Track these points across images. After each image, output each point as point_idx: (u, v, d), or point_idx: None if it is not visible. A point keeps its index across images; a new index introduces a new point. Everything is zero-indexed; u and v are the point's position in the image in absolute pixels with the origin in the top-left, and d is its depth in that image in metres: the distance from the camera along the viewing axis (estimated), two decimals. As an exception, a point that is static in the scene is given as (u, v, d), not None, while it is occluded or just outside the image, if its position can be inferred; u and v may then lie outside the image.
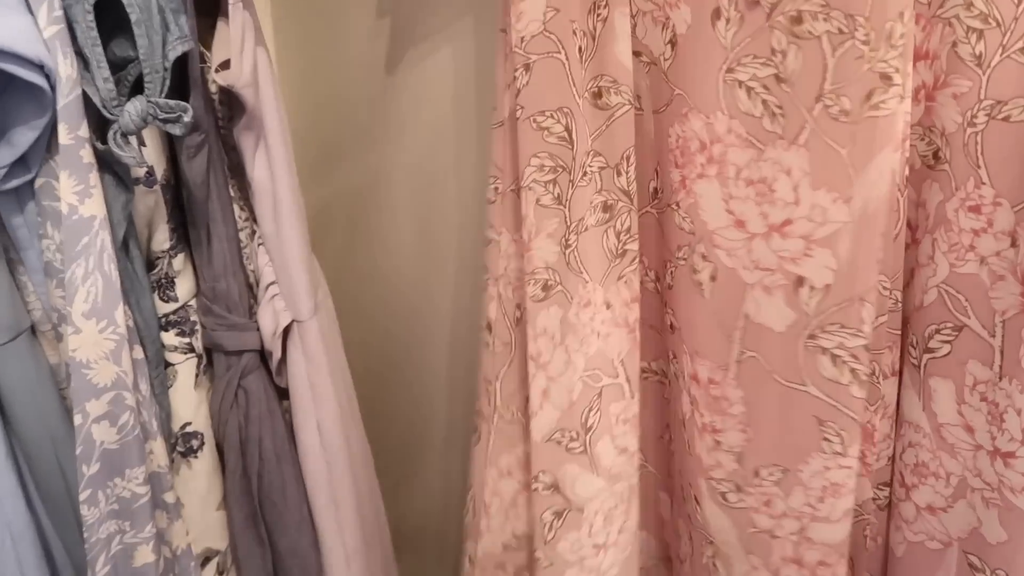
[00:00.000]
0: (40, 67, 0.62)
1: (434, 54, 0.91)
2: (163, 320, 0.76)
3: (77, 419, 0.67)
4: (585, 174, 0.66)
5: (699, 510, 0.71)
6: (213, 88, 0.73)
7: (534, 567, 0.73)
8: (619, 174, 0.67)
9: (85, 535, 0.70)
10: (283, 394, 0.81)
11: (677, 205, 0.66)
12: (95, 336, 0.67)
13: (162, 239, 0.76)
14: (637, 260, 0.69)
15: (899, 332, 0.63)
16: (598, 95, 0.66)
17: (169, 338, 0.76)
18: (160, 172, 0.73)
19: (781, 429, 0.64)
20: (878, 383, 0.63)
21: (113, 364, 0.68)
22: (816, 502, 0.64)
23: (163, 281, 0.77)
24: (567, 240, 0.67)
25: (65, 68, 0.63)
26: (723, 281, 0.64)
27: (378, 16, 0.91)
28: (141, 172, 0.71)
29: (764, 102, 0.60)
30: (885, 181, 0.57)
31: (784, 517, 0.66)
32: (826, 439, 0.62)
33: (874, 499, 0.67)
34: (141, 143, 0.69)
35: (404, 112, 0.94)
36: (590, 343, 0.69)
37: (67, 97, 0.62)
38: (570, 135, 0.66)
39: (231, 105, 0.74)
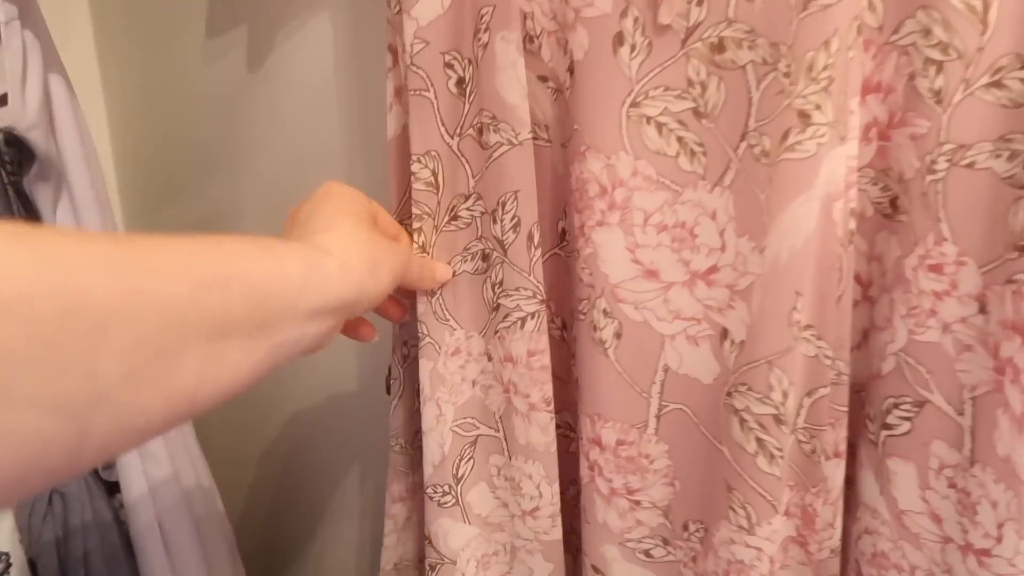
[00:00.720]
0: None
1: (287, 65, 0.77)
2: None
3: None
4: (456, 218, 0.61)
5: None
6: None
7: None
8: (495, 221, 0.59)
9: None
10: (112, 488, 0.69)
11: (577, 253, 0.59)
12: None
13: None
14: (515, 317, 0.61)
15: (845, 408, 0.55)
16: (480, 132, 0.58)
17: None
18: None
19: (705, 485, 0.59)
20: (819, 461, 0.56)
21: None
22: (723, 574, 0.59)
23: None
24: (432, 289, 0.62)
25: None
26: (632, 337, 0.58)
27: (210, 36, 0.76)
28: None
29: (680, 139, 0.53)
30: (800, 232, 0.50)
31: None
32: (732, 508, 0.57)
33: None
34: None
35: (256, 136, 0.80)
36: (461, 392, 0.63)
37: None
38: (436, 179, 0.61)
39: (20, 149, 0.60)
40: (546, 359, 0.61)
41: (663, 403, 0.59)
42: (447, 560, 0.65)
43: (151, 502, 0.65)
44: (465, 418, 0.64)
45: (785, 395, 0.53)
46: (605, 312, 0.58)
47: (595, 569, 0.66)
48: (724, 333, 0.55)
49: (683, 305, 0.56)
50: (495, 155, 0.58)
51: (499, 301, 0.61)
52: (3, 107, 0.56)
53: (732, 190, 0.52)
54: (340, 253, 0.47)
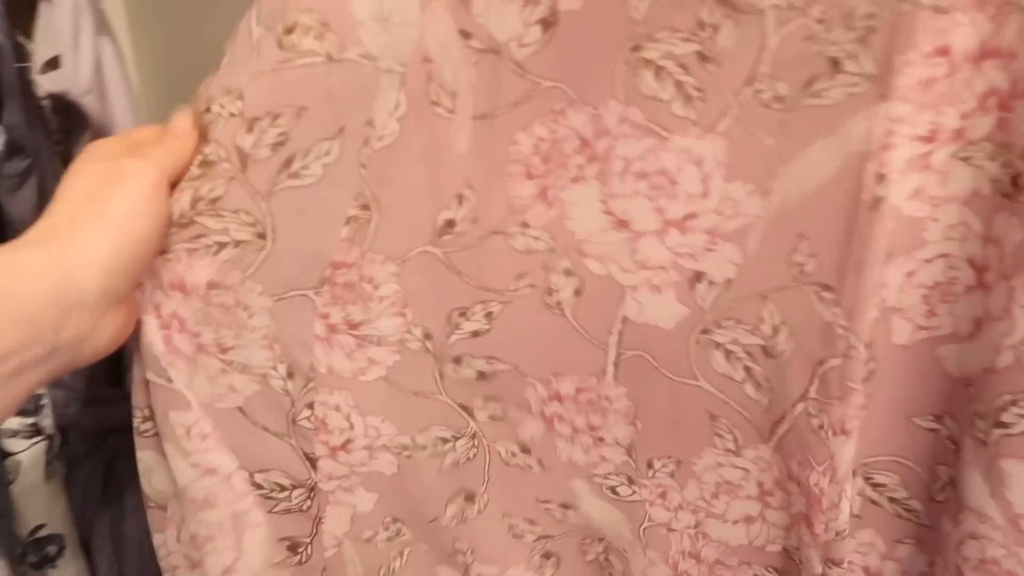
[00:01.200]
0: None
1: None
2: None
3: None
4: (208, 111, 0.53)
5: (571, 514, 0.65)
6: (43, 95, 0.58)
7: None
8: (249, 131, 0.52)
9: None
10: None
11: (525, 225, 0.55)
12: None
13: None
14: (212, 240, 0.54)
15: (856, 386, 0.52)
16: (288, 30, 0.50)
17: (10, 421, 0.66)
18: None
19: (672, 422, 0.58)
20: (825, 438, 0.54)
21: None
22: (710, 497, 0.60)
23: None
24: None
25: None
26: (592, 292, 0.56)
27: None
28: None
29: (678, 83, 0.49)
30: (815, 178, 0.48)
31: (680, 510, 0.61)
32: (718, 434, 0.57)
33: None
34: None
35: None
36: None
37: None
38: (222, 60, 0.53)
39: (69, 116, 0.60)
40: (230, 299, 0.55)
41: (621, 351, 0.57)
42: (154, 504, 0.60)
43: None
44: None
45: (775, 330, 0.52)
46: (566, 271, 0.56)
47: (564, 506, 0.65)
48: (696, 276, 0.53)
49: (651, 255, 0.54)
50: (297, 62, 0.50)
51: (197, 218, 0.53)
52: (55, 71, 0.54)
53: (727, 137, 0.49)
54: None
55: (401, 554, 0.67)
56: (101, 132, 0.59)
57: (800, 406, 0.54)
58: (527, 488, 0.65)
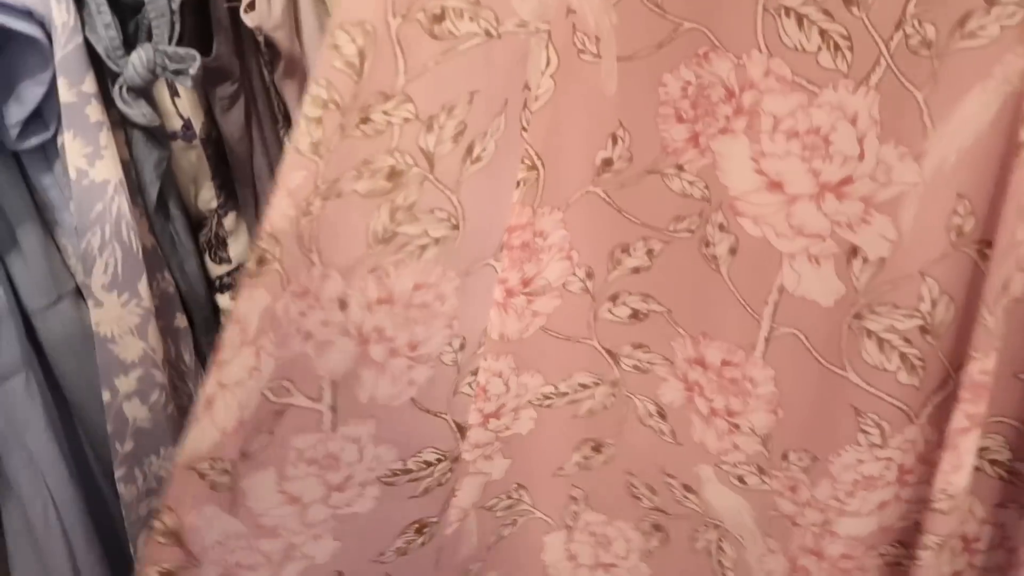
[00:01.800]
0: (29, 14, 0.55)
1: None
2: (217, 283, 0.73)
3: (105, 396, 0.66)
4: (366, 121, 0.48)
5: (691, 498, 0.64)
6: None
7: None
8: (429, 130, 0.49)
9: (124, 513, 0.69)
10: None
11: (679, 168, 0.54)
12: (118, 310, 0.64)
13: (208, 197, 0.71)
14: (416, 245, 0.52)
15: (975, 354, 0.49)
16: (438, 18, 0.47)
17: (224, 301, 0.73)
18: (199, 126, 0.67)
19: (816, 413, 0.56)
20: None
21: (139, 339, 0.65)
22: (845, 496, 0.57)
23: (214, 242, 0.72)
24: (308, 205, 0.48)
25: (60, 14, 0.56)
26: (748, 253, 0.54)
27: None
28: (177, 126, 0.67)
29: (823, 32, 0.47)
30: (972, 130, 0.46)
31: (808, 507, 0.59)
32: (863, 431, 0.54)
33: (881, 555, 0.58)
34: (174, 93, 0.65)
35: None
36: (290, 346, 0.51)
37: (65, 48, 0.57)
38: (361, 62, 0.46)
39: (271, 48, 0.65)
40: (431, 295, 0.54)
41: (774, 325, 0.56)
42: (192, 564, 0.54)
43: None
44: (284, 380, 0.52)
45: (934, 303, 0.50)
46: (721, 227, 0.55)
47: (687, 488, 0.64)
48: (853, 251, 0.51)
49: (807, 220, 0.52)
50: (459, 48, 0.48)
51: (398, 229, 0.51)
52: (251, 11, 0.60)
53: (879, 90, 0.47)
54: None
55: (515, 522, 0.69)
56: (291, 63, 0.65)
57: (963, 371, 0.50)
58: (656, 455, 0.64)
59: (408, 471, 0.60)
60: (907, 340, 0.51)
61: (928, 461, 0.53)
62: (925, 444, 0.53)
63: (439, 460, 0.62)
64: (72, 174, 0.60)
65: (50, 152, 0.64)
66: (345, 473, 0.57)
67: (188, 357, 0.71)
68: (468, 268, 0.56)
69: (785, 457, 0.58)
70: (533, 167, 0.57)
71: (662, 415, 0.63)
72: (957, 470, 0.50)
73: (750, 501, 0.61)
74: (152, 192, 0.66)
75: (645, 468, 0.65)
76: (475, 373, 0.61)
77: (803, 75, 0.49)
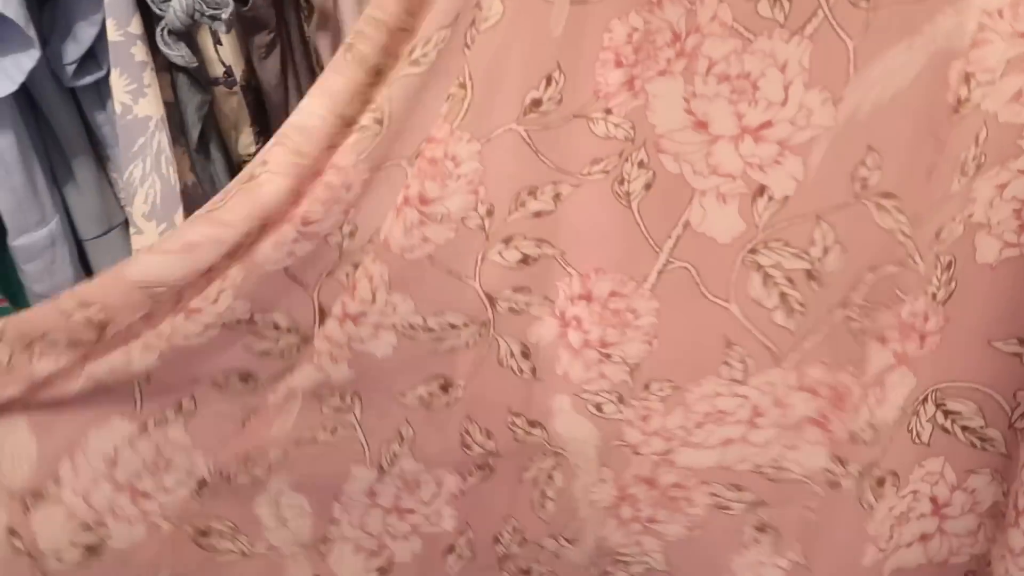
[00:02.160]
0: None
1: None
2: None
3: None
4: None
5: (536, 432, 0.64)
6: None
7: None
8: None
9: None
10: None
11: (607, 112, 0.56)
12: (156, 238, 0.67)
13: (248, 143, 0.74)
14: None
15: (906, 297, 0.52)
16: None
17: None
18: (239, 73, 0.71)
19: (688, 345, 0.59)
20: (864, 342, 0.55)
21: None
22: (693, 427, 0.60)
23: (250, 185, 0.76)
24: None
25: (112, -39, 0.61)
26: (662, 188, 0.57)
27: None
28: (219, 72, 0.70)
29: None
30: (892, 84, 0.49)
31: (655, 436, 0.62)
32: (727, 363, 0.58)
33: (827, 471, 0.59)
34: (217, 42, 0.68)
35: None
36: None
37: (114, -9, 0.61)
38: None
39: (310, 4, 0.71)
40: (338, 179, 0.56)
41: (671, 259, 0.58)
42: None
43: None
44: None
45: (825, 251, 0.53)
46: (641, 163, 0.56)
47: (532, 424, 0.64)
48: (760, 190, 0.54)
49: (724, 160, 0.55)
50: None
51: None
52: None
53: (813, 40, 0.50)
54: None
55: (334, 431, 0.65)
56: (324, 16, 0.69)
57: (839, 312, 0.55)
58: (505, 396, 0.64)
59: (252, 322, 0.61)
60: (790, 280, 0.54)
61: (785, 405, 0.57)
62: (784, 389, 0.57)
63: (289, 330, 0.61)
64: (117, 108, 0.64)
65: (103, 91, 0.69)
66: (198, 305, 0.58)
67: None
68: (380, 164, 0.57)
69: (647, 387, 0.60)
70: (463, 86, 0.56)
71: (525, 354, 0.63)
72: (881, 404, 0.54)
73: (600, 430, 0.62)
74: (194, 133, 0.70)
75: (488, 411, 0.65)
76: (355, 267, 0.60)
77: (742, 22, 0.52)
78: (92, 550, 0.61)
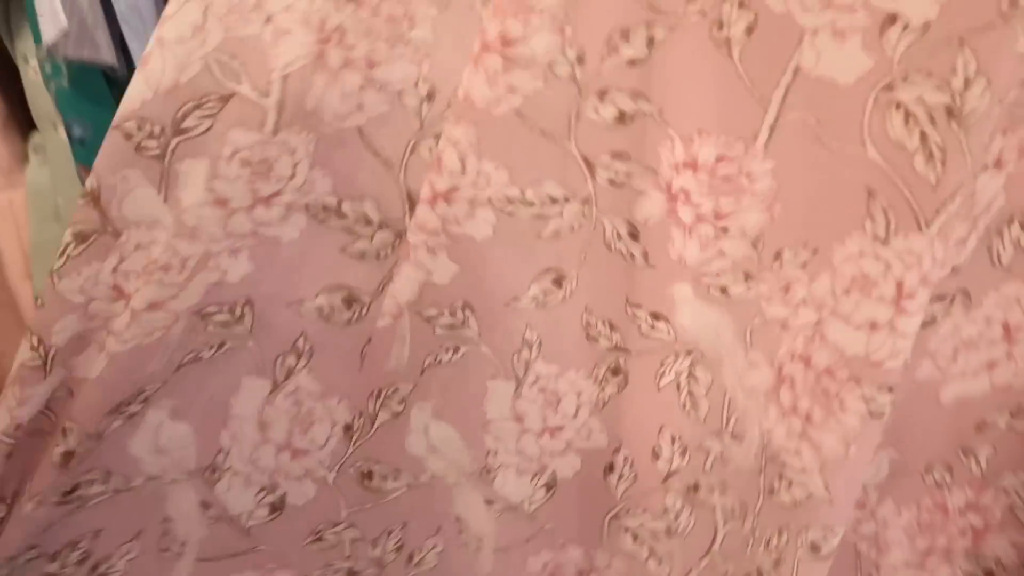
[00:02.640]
0: None
1: None
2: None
3: None
4: None
5: (660, 327, 0.60)
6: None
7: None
8: None
9: None
10: None
11: None
12: None
13: None
14: None
15: None
16: None
17: None
18: None
19: (820, 201, 0.52)
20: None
21: None
22: (840, 292, 0.53)
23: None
24: None
25: None
26: (766, 32, 0.49)
27: None
28: None
29: None
30: None
31: (803, 305, 0.55)
32: (870, 216, 0.50)
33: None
34: None
35: None
36: (246, 23, 0.51)
37: None
38: None
39: None
40: (400, 10, 0.52)
41: (783, 110, 0.51)
42: (110, 229, 0.52)
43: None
44: (230, 58, 0.50)
45: (967, 83, 0.45)
46: (741, 3, 0.49)
47: (655, 316, 0.59)
48: (891, 19, 0.46)
49: None
50: None
51: None
52: None
53: None
54: None
55: (456, 349, 0.62)
56: None
57: (985, 176, 0.48)
58: (621, 284, 0.59)
59: (341, 213, 0.57)
60: (931, 119, 0.46)
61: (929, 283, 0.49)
62: (929, 265, 0.49)
63: (381, 225, 0.57)
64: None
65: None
66: (275, 187, 0.53)
67: None
68: (448, 1, 0.52)
69: (778, 256, 0.54)
70: None
71: (633, 235, 0.57)
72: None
73: (731, 313, 0.57)
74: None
75: (607, 302, 0.60)
76: (437, 138, 0.55)
77: None
78: (276, 507, 0.63)
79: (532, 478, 0.65)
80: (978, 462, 0.60)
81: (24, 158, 0.79)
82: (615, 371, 0.62)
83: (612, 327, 0.61)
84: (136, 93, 0.49)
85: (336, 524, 0.66)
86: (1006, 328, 0.53)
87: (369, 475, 0.64)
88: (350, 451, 0.63)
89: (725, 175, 0.53)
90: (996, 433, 0.58)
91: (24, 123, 0.79)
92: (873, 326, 0.50)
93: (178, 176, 0.51)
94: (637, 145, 0.54)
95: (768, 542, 0.57)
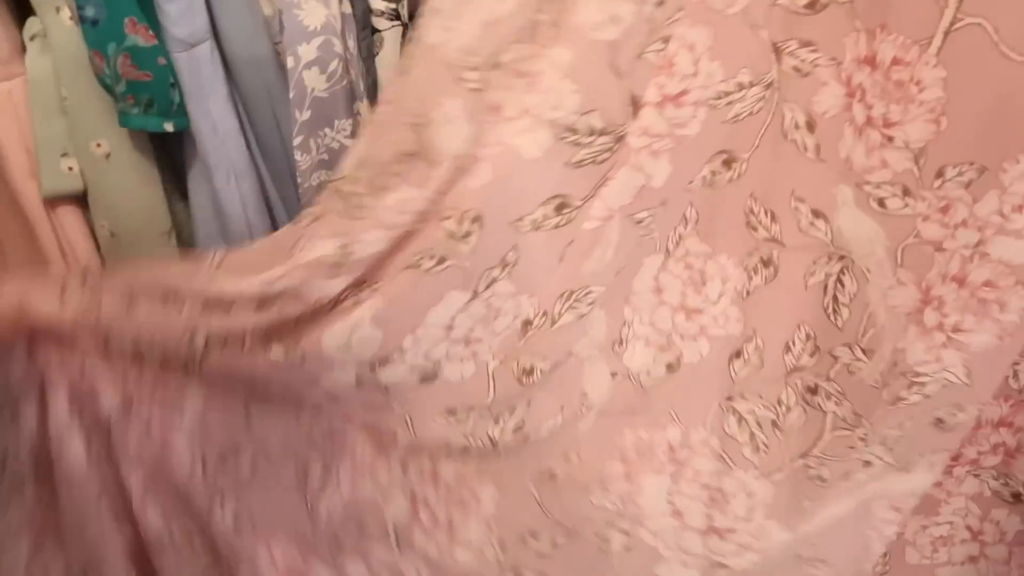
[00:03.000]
0: None
1: None
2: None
3: (290, 62, 0.70)
4: None
5: (818, 224, 0.59)
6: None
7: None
8: None
9: (299, 180, 0.74)
10: None
11: None
12: None
13: None
14: None
15: None
16: None
17: (376, 2, 0.74)
18: None
19: (992, 116, 0.50)
20: None
21: (323, 6, 0.69)
22: (1011, 211, 0.51)
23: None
24: None
25: None
26: None
27: None
28: None
29: None
30: None
31: (962, 227, 0.53)
32: None
33: None
34: None
35: None
36: None
37: None
38: None
39: None
40: None
41: (959, 16, 0.49)
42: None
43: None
44: None
45: None
46: None
47: (816, 213, 0.59)
48: None
49: None
50: None
51: None
52: None
53: None
54: None
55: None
56: None
57: None
58: (789, 175, 0.59)
59: (574, 128, 0.57)
60: None
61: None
62: None
63: (602, 132, 0.58)
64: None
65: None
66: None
67: (352, 43, 0.71)
68: None
69: (941, 174, 0.53)
70: None
71: (810, 126, 0.58)
72: None
73: (886, 228, 0.56)
74: None
75: (771, 191, 0.61)
76: (666, 41, 0.56)
77: None
78: (427, 377, 0.63)
79: (658, 352, 0.67)
80: (1017, 378, 0.56)
81: (21, 47, 0.74)
82: (767, 263, 0.63)
83: (773, 218, 0.61)
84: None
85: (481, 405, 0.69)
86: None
87: (530, 370, 0.66)
88: (521, 344, 0.65)
89: (897, 80, 0.52)
90: None
91: (18, 9, 0.74)
92: None
93: None
94: (826, 34, 0.55)
95: (885, 440, 0.59)
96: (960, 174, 0.52)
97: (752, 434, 0.65)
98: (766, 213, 0.62)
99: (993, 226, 0.51)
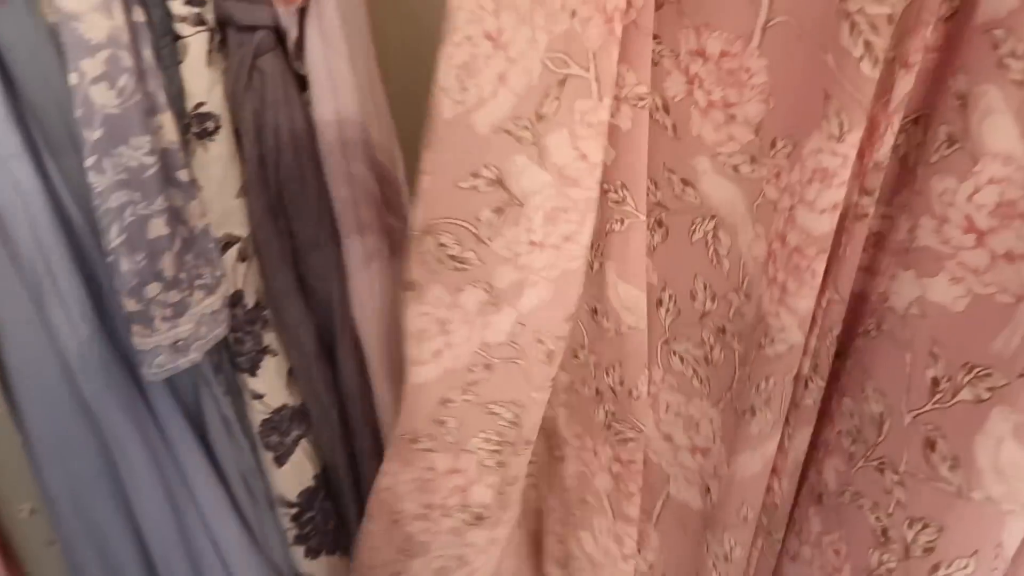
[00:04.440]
0: None
1: None
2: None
3: (72, 79, 0.63)
4: None
5: (688, 192, 0.69)
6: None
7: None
8: None
9: (96, 203, 0.68)
10: (302, 84, 0.76)
11: None
12: None
13: None
14: None
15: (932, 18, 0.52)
16: None
17: (177, 6, 0.70)
18: None
19: (798, 98, 0.60)
20: (894, 71, 0.54)
21: (105, 18, 0.63)
22: (805, 183, 0.61)
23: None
24: None
25: None
26: None
27: None
28: None
29: None
30: None
31: (785, 192, 0.63)
32: (826, 117, 0.57)
33: (855, 206, 0.61)
34: None
35: None
36: (559, 21, 0.58)
37: None
38: None
39: None
40: None
41: (771, 15, 0.59)
42: (515, 201, 0.64)
43: (331, 99, 0.74)
44: (560, 52, 0.60)
45: None
46: None
47: (684, 182, 0.69)
48: None
49: None
50: None
51: None
52: None
53: None
54: None
55: (622, 221, 0.71)
56: None
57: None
58: (659, 150, 0.69)
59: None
60: (873, 27, 0.52)
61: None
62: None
63: None
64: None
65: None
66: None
67: (147, 53, 0.67)
68: None
69: (773, 144, 0.63)
70: None
71: (667, 109, 0.67)
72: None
73: (742, 189, 0.67)
74: None
75: (652, 162, 0.70)
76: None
77: None
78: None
79: None
80: None
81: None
82: (659, 223, 0.73)
83: (656, 185, 0.71)
84: (504, 102, 0.60)
85: (582, 348, 0.80)
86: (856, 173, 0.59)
87: (594, 312, 0.76)
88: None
89: (728, 69, 0.62)
90: None
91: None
92: (835, 208, 0.59)
93: (547, 149, 0.64)
94: (665, 28, 0.64)
95: (759, 386, 0.69)
96: (784, 146, 0.62)
97: (694, 370, 0.76)
98: (651, 181, 0.71)
99: (796, 195, 0.61)
